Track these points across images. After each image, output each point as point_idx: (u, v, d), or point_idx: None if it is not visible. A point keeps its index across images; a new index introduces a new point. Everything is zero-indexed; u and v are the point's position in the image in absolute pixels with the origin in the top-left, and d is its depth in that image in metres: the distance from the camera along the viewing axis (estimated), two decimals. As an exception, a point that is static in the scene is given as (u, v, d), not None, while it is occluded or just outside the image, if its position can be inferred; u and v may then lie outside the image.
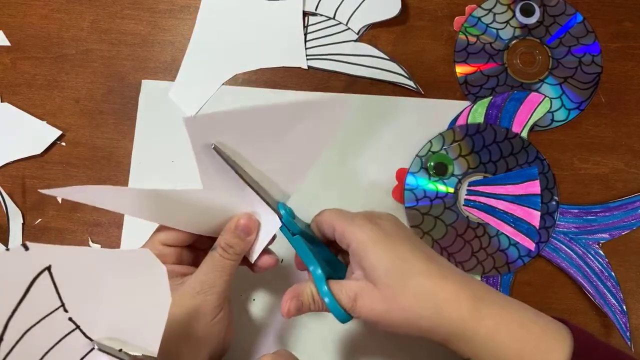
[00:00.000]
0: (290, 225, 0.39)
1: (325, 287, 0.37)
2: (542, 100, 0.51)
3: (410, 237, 0.39)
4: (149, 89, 0.54)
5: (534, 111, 0.51)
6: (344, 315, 0.37)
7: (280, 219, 0.39)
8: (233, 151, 0.38)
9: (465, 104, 0.52)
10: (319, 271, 0.38)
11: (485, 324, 0.36)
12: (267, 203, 0.38)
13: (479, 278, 0.49)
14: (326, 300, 0.37)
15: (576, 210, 0.50)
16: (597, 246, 0.49)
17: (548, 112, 0.51)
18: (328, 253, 0.42)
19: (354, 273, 0.39)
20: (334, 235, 0.40)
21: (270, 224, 0.41)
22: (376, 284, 0.37)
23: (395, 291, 0.36)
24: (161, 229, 0.41)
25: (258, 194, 0.38)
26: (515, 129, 0.51)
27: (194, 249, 0.44)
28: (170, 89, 0.54)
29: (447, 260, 0.39)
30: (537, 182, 0.49)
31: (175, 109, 0.53)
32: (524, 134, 0.51)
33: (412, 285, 0.36)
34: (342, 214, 0.40)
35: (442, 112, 0.52)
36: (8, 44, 0.56)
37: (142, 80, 0.54)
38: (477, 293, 0.37)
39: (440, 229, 0.49)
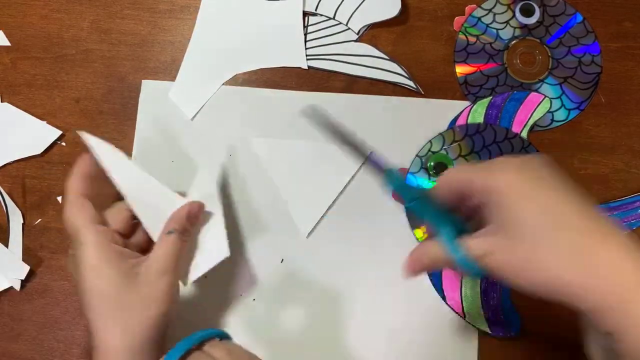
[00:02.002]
0: (404, 191, 0.36)
1: (456, 243, 0.35)
2: (542, 100, 0.51)
3: (564, 185, 0.33)
4: (149, 89, 0.54)
5: (533, 111, 0.51)
6: (476, 271, 0.34)
7: (392, 188, 0.36)
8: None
9: (465, 104, 0.52)
10: (448, 227, 0.36)
11: None
12: (375, 167, 0.36)
13: (478, 279, 0.49)
14: (457, 256, 0.34)
15: None
16: (596, 246, 0.49)
17: (548, 112, 0.51)
18: (449, 214, 0.38)
19: (489, 226, 0.34)
20: (470, 190, 0.35)
21: (214, 251, 0.44)
22: (518, 239, 0.32)
23: (540, 248, 0.31)
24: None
25: (361, 155, 0.36)
26: (515, 129, 0.51)
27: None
28: (170, 89, 0.54)
29: (607, 216, 0.33)
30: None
31: (176, 109, 0.53)
32: (524, 134, 0.51)
33: (562, 243, 0.31)
34: (477, 165, 0.35)
35: (442, 112, 0.52)
36: (8, 44, 0.56)
37: (142, 81, 0.54)
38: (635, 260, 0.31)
39: (440, 229, 0.49)
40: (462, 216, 0.37)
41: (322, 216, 0.50)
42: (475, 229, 0.36)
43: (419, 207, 0.37)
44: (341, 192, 0.51)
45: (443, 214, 0.37)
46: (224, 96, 0.54)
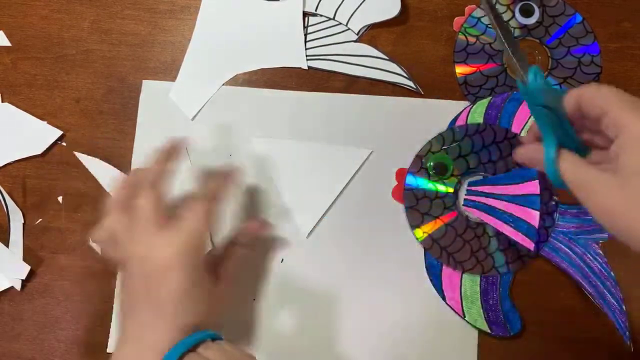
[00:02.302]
0: (532, 95, 0.36)
1: (552, 154, 0.36)
2: (542, 100, 0.51)
3: None
4: (150, 89, 0.54)
5: (533, 112, 0.51)
6: (559, 183, 0.36)
7: (525, 84, 0.36)
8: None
9: (464, 104, 0.52)
10: (551, 139, 0.36)
11: None
12: (517, 59, 0.36)
13: (477, 278, 0.49)
14: (546, 165, 0.36)
15: (575, 210, 0.50)
16: (596, 246, 0.49)
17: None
18: (569, 127, 0.38)
19: (605, 162, 0.35)
20: (598, 117, 0.35)
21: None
22: (630, 187, 0.32)
23: None
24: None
25: (511, 51, 0.36)
26: (514, 129, 0.51)
27: None
28: (170, 89, 0.54)
29: None
30: (537, 182, 0.49)
31: (176, 110, 0.53)
32: (524, 134, 0.51)
33: None
34: (619, 98, 0.34)
35: (442, 112, 0.52)
36: (9, 44, 0.56)
37: (143, 81, 0.54)
38: None
39: (440, 229, 0.49)
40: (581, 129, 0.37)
41: (322, 216, 0.50)
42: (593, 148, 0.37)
43: (538, 114, 0.36)
44: (341, 192, 0.51)
45: (557, 126, 0.36)
46: (224, 96, 0.54)
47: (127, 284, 0.41)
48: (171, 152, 0.45)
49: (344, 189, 0.51)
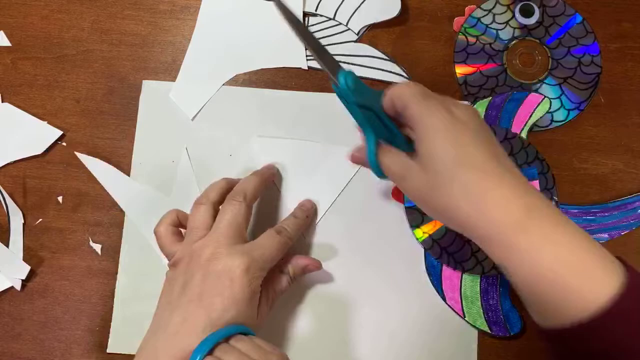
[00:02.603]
0: (346, 95, 0.38)
1: (371, 148, 0.40)
2: (542, 100, 0.51)
3: (480, 132, 0.37)
4: (150, 89, 0.54)
5: (533, 112, 0.51)
6: (380, 174, 0.41)
7: (337, 86, 0.38)
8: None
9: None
10: (370, 134, 0.40)
11: (529, 238, 0.34)
12: (327, 68, 0.37)
13: (478, 278, 0.49)
14: (369, 157, 0.40)
15: (575, 211, 0.50)
16: (596, 246, 0.49)
17: (547, 112, 0.51)
18: (389, 121, 0.41)
19: (414, 153, 0.39)
20: (404, 112, 0.38)
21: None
22: (427, 170, 0.37)
23: (443, 179, 0.36)
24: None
25: (318, 57, 0.37)
26: (514, 129, 0.51)
27: None
28: (171, 89, 0.54)
29: (514, 165, 0.37)
30: (537, 182, 0.49)
31: (176, 110, 0.53)
32: (524, 135, 0.51)
33: (462, 178, 0.35)
34: (415, 94, 0.38)
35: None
36: (9, 44, 0.56)
37: (143, 81, 0.54)
38: (531, 205, 0.35)
39: (440, 229, 0.49)
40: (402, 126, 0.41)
41: (322, 216, 0.50)
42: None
43: (353, 110, 0.39)
44: (341, 192, 0.51)
45: (376, 121, 0.40)
46: (223, 96, 0.54)
47: (177, 281, 0.41)
48: (269, 177, 0.49)
49: (343, 189, 0.51)
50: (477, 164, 0.36)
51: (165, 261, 0.45)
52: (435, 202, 0.37)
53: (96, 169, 0.53)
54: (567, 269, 0.33)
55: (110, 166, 0.52)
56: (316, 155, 0.52)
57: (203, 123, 0.53)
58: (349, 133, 0.51)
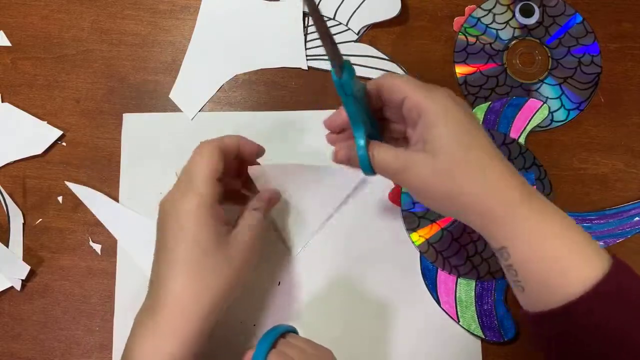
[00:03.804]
0: (347, 86, 0.38)
1: (362, 142, 0.39)
2: (541, 106, 0.51)
3: (474, 116, 0.39)
4: (131, 122, 0.53)
5: (532, 117, 0.51)
6: (369, 170, 0.40)
7: (340, 76, 0.37)
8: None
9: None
10: (361, 129, 0.39)
11: (531, 215, 0.36)
12: (332, 57, 0.37)
13: (473, 283, 0.49)
14: (359, 153, 0.39)
15: (572, 217, 0.49)
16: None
17: (546, 118, 0.51)
18: (371, 117, 0.42)
19: (412, 144, 0.39)
20: (399, 102, 0.39)
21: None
22: (436, 155, 0.37)
23: (454, 163, 0.36)
24: (205, 158, 0.42)
25: (327, 43, 0.36)
26: (513, 134, 0.51)
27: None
28: (151, 119, 0.53)
29: None
30: (534, 188, 0.49)
31: (159, 139, 0.53)
32: (522, 140, 0.51)
33: (471, 158, 0.37)
34: (416, 84, 0.39)
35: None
36: (9, 44, 0.56)
37: (123, 115, 0.53)
38: (527, 186, 0.37)
39: (436, 233, 0.49)
40: (380, 118, 0.42)
41: (317, 231, 0.50)
42: (387, 138, 0.43)
43: (349, 104, 0.39)
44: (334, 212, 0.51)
45: (364, 117, 0.40)
46: (224, 97, 0.54)
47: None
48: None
49: (336, 209, 0.51)
50: (485, 146, 0.37)
51: None
52: (441, 187, 0.37)
53: (87, 197, 0.52)
54: (564, 246, 0.35)
55: (101, 194, 0.52)
56: (310, 177, 0.50)
57: (203, 123, 0.53)
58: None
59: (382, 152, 0.39)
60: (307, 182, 0.49)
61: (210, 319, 0.39)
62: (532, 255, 0.36)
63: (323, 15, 0.34)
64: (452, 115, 0.37)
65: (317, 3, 0.35)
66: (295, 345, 0.39)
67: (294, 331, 0.42)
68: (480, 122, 0.40)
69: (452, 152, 0.36)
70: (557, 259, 0.35)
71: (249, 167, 0.45)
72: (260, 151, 0.46)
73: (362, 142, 0.39)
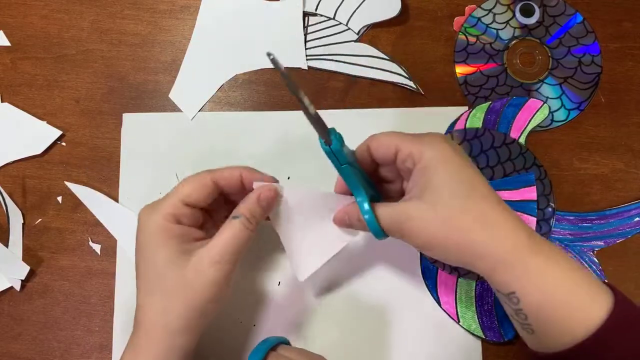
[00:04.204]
0: (339, 154, 0.37)
1: (367, 206, 0.39)
2: (541, 106, 0.51)
3: (470, 160, 0.39)
4: (130, 122, 0.53)
5: (532, 117, 0.51)
6: (380, 233, 0.39)
7: (329, 146, 0.37)
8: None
9: (463, 109, 0.52)
10: (363, 194, 0.39)
11: (537, 259, 0.36)
12: (317, 127, 0.36)
13: (473, 283, 0.49)
14: (365, 217, 0.39)
15: (572, 217, 0.50)
16: (591, 253, 0.49)
17: (546, 118, 0.51)
18: (369, 180, 0.42)
19: (410, 194, 0.39)
20: (392, 157, 0.39)
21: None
22: (436, 204, 0.36)
23: (455, 212, 0.36)
24: (186, 183, 0.41)
25: (309, 114, 0.35)
26: (513, 134, 0.51)
27: (207, 212, 0.43)
28: (150, 120, 0.53)
29: None
30: (534, 188, 0.49)
31: (158, 139, 0.53)
32: (522, 140, 0.51)
33: (474, 209, 0.36)
34: (405, 135, 0.39)
35: (441, 117, 0.52)
36: (8, 44, 0.56)
37: (123, 114, 0.53)
38: (530, 229, 0.37)
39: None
40: (377, 181, 0.42)
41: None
42: (386, 198, 0.42)
43: (345, 173, 0.38)
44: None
45: (362, 181, 0.40)
46: (223, 96, 0.54)
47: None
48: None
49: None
50: (485, 194, 0.37)
51: None
52: (448, 235, 0.36)
53: (87, 197, 0.52)
54: (571, 286, 0.36)
55: (101, 194, 0.52)
56: (321, 203, 0.44)
57: (203, 123, 0.53)
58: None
59: (384, 209, 0.39)
60: (319, 208, 0.43)
61: (184, 335, 0.39)
62: (542, 299, 0.36)
63: (302, 96, 0.33)
64: (451, 161, 0.37)
65: (296, 85, 0.33)
66: (287, 358, 0.39)
67: (285, 342, 0.42)
68: (470, 158, 0.40)
69: (451, 202, 0.36)
70: (567, 301, 0.36)
71: (254, 182, 0.41)
72: (269, 181, 0.42)
73: (366, 206, 0.39)
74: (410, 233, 0.38)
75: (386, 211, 0.39)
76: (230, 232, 0.39)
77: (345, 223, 0.42)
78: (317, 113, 0.34)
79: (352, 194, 0.41)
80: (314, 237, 0.43)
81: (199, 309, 0.39)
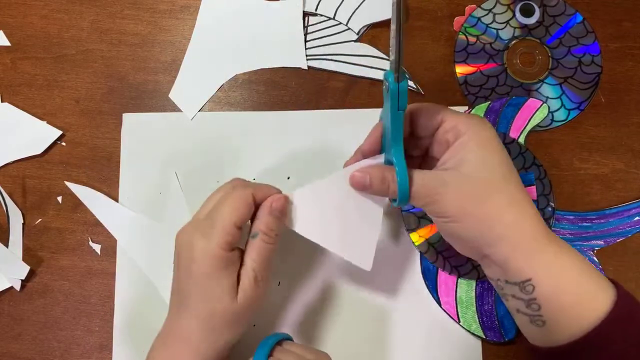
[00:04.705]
0: (403, 96, 0.36)
1: (404, 163, 0.38)
2: (540, 106, 0.51)
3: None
4: (130, 122, 0.53)
5: (531, 117, 0.51)
6: (406, 197, 0.38)
7: (399, 83, 0.35)
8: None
9: (463, 109, 0.52)
10: (400, 150, 0.38)
11: (555, 248, 0.37)
12: (397, 57, 0.35)
13: (473, 283, 0.48)
14: (398, 178, 0.38)
15: (572, 217, 0.50)
16: (591, 253, 0.49)
17: (546, 117, 0.51)
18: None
19: (445, 165, 0.39)
20: (435, 126, 0.40)
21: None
22: (474, 177, 0.37)
23: (491, 189, 0.37)
24: (234, 204, 0.40)
25: (399, 39, 0.34)
26: (512, 134, 0.51)
27: None
28: (150, 120, 0.53)
29: None
30: (534, 187, 0.49)
31: (159, 139, 0.53)
32: (521, 140, 0.51)
33: (507, 191, 0.38)
34: (450, 109, 0.40)
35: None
36: (8, 44, 0.56)
37: (123, 114, 0.53)
38: (545, 223, 0.39)
39: (436, 234, 0.49)
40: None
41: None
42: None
43: (398, 120, 0.38)
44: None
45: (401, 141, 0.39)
46: (223, 96, 0.54)
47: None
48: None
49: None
50: (518, 180, 0.39)
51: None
52: (480, 208, 0.37)
53: (87, 197, 0.52)
54: (582, 278, 0.37)
55: (101, 194, 0.52)
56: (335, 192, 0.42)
57: (203, 123, 0.53)
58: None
59: (422, 174, 0.38)
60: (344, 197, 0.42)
61: (228, 350, 0.41)
62: (556, 288, 0.37)
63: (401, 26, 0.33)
64: (495, 142, 0.39)
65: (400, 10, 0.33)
66: (293, 352, 0.39)
67: (289, 338, 0.42)
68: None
69: (490, 178, 0.37)
70: (577, 292, 0.37)
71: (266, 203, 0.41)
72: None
73: (404, 166, 0.38)
74: (443, 199, 0.38)
75: (419, 175, 0.39)
76: (254, 252, 0.40)
77: (362, 184, 0.40)
78: (402, 42, 0.34)
79: (373, 155, 0.41)
80: (349, 223, 0.42)
81: (239, 335, 0.41)
